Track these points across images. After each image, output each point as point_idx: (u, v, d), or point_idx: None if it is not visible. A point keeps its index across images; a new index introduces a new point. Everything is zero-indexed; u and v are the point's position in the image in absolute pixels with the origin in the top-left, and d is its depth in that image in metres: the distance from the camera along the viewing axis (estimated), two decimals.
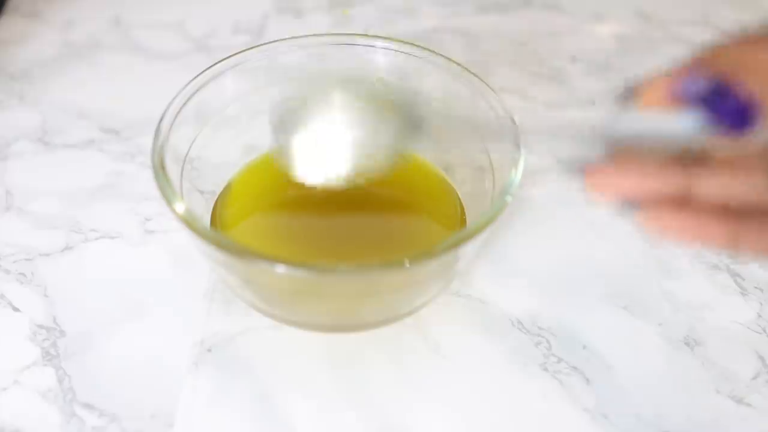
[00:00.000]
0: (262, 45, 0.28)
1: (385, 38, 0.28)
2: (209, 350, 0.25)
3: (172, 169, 0.24)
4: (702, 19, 0.42)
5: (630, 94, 0.18)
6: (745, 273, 0.28)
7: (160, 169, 0.23)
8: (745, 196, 0.17)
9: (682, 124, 0.17)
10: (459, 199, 0.28)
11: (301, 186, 0.29)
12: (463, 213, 0.28)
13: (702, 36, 0.41)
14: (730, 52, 0.17)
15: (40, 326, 0.26)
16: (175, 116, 0.25)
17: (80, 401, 0.24)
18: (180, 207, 0.22)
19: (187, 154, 0.26)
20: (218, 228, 0.27)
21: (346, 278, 0.21)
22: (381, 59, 0.29)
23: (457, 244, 0.21)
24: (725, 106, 0.16)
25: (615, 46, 0.40)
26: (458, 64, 0.27)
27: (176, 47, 0.39)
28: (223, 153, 0.29)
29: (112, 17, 0.41)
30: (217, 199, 0.28)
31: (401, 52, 0.28)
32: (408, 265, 0.21)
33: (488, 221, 0.22)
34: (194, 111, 0.26)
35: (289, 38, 0.28)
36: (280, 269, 0.20)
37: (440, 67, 0.27)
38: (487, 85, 0.26)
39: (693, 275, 0.28)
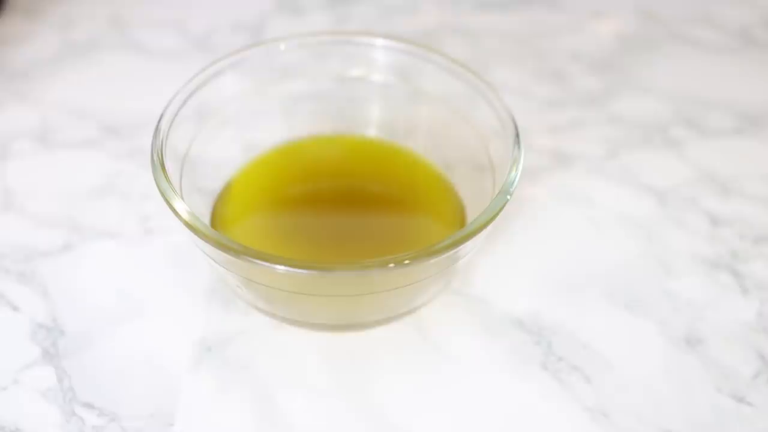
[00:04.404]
0: (261, 43, 0.28)
1: (385, 36, 0.28)
2: (209, 350, 0.25)
3: (172, 168, 0.24)
4: (703, 18, 0.42)
5: None
6: (746, 272, 0.28)
7: (159, 168, 0.23)
8: None
9: None
10: (459, 198, 0.28)
11: (301, 185, 0.29)
12: (463, 212, 0.28)
13: (703, 35, 0.41)
14: None
15: (40, 325, 0.26)
16: (175, 115, 0.25)
17: (80, 400, 0.24)
18: (180, 206, 0.22)
19: (186, 153, 0.26)
20: (218, 227, 0.27)
21: (346, 277, 0.21)
22: (381, 57, 0.29)
23: (456, 243, 0.21)
24: None
25: (616, 44, 0.40)
26: (458, 63, 0.27)
27: (176, 46, 0.39)
28: (223, 151, 0.29)
29: (112, 16, 0.41)
30: (217, 198, 0.28)
31: (401, 50, 0.28)
32: (408, 264, 0.21)
33: (488, 220, 0.22)
34: (194, 109, 0.26)
35: (289, 36, 0.28)
36: (280, 269, 0.20)
37: (440, 66, 0.27)
38: (487, 84, 0.26)
39: (693, 274, 0.28)
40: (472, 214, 0.27)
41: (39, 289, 0.27)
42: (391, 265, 0.21)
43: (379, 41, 0.28)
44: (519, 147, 0.24)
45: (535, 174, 0.32)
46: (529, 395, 0.24)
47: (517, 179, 0.23)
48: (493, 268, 0.28)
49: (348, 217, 0.28)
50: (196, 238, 0.22)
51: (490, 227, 0.22)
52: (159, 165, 0.23)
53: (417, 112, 0.29)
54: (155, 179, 0.23)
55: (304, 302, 0.24)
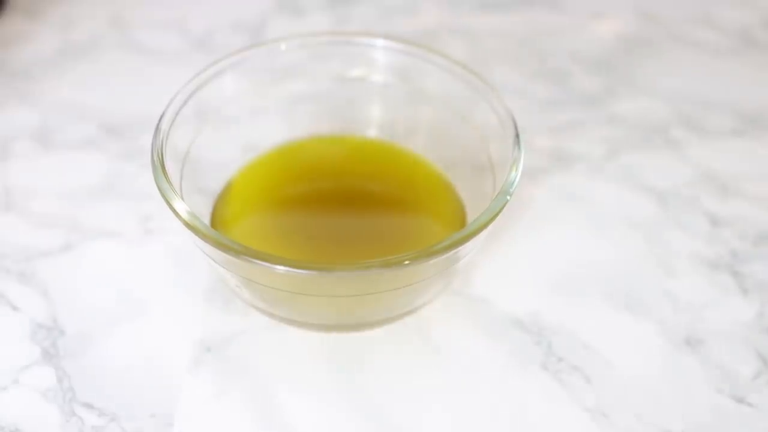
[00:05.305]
0: (262, 43, 0.28)
1: (385, 37, 0.28)
2: (209, 350, 0.25)
3: (172, 168, 0.24)
4: (703, 19, 0.42)
5: None
6: (746, 272, 0.28)
7: (159, 168, 0.23)
8: None
9: None
10: (459, 198, 0.28)
11: (301, 185, 0.29)
12: (463, 212, 0.28)
13: (703, 36, 0.41)
14: None
15: (40, 325, 0.26)
16: (175, 115, 0.25)
17: (80, 401, 0.24)
18: (180, 206, 0.22)
19: (187, 153, 0.26)
20: (218, 227, 0.27)
21: (346, 277, 0.21)
22: (381, 58, 0.29)
23: (457, 243, 0.21)
24: None
25: (616, 45, 0.40)
26: (458, 63, 0.27)
27: (176, 46, 0.39)
28: (224, 152, 0.29)
29: (112, 16, 0.41)
30: (218, 198, 0.28)
31: (401, 50, 0.28)
32: (408, 265, 0.21)
33: (488, 221, 0.22)
34: (194, 109, 0.26)
35: (289, 36, 0.28)
36: (280, 269, 0.20)
37: (440, 66, 0.27)
38: (488, 84, 0.26)
39: (693, 275, 0.28)
40: (472, 215, 0.27)
41: (39, 289, 0.27)
42: (392, 265, 0.21)
43: (380, 42, 0.28)
44: (519, 147, 0.24)
45: (535, 174, 0.32)
46: (529, 395, 0.24)
47: (517, 180, 0.23)
48: (494, 268, 0.28)
49: (348, 218, 0.28)
50: (196, 238, 0.22)
51: (490, 228, 0.22)
52: (159, 165, 0.23)
53: (417, 112, 0.29)
54: (155, 179, 0.23)
55: (304, 302, 0.24)
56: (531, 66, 0.38)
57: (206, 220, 0.27)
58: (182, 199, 0.22)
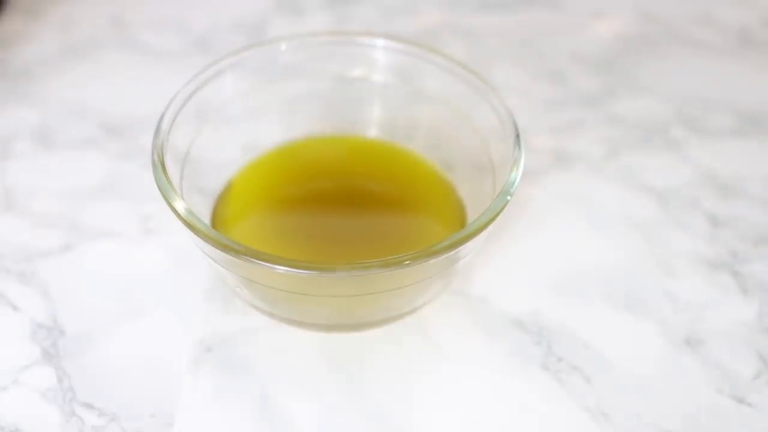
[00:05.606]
0: (261, 43, 0.28)
1: (385, 37, 0.28)
2: (209, 350, 0.25)
3: (172, 168, 0.24)
4: (703, 18, 0.42)
5: None
6: (746, 272, 0.28)
7: (160, 168, 0.23)
8: None
9: None
10: (459, 198, 0.28)
11: (301, 185, 0.29)
12: (463, 212, 0.28)
13: (703, 35, 0.41)
14: None
15: (40, 325, 0.26)
16: (176, 115, 0.25)
17: (80, 401, 0.24)
18: (180, 206, 0.22)
19: (187, 153, 0.26)
20: (219, 227, 0.27)
21: (346, 278, 0.21)
22: (381, 58, 0.29)
23: (457, 243, 0.21)
24: None
25: (616, 45, 0.40)
26: (459, 63, 0.27)
27: (176, 46, 0.39)
28: (224, 152, 0.29)
29: (112, 16, 0.41)
30: (218, 198, 0.28)
31: (401, 50, 0.28)
32: (408, 265, 0.21)
33: (488, 221, 0.22)
34: (194, 109, 0.26)
35: (289, 36, 0.28)
36: (280, 269, 0.20)
37: (441, 66, 0.27)
38: (488, 84, 0.26)
39: (693, 275, 0.28)
40: (472, 215, 0.27)
41: (39, 289, 0.27)
42: (392, 265, 0.21)
43: (380, 41, 0.28)
44: (519, 147, 0.24)
45: (535, 174, 0.32)
46: (529, 395, 0.24)
47: (517, 180, 0.23)
48: (494, 268, 0.28)
49: (348, 218, 0.28)
50: (196, 238, 0.22)
51: (490, 228, 0.22)
52: (159, 165, 0.23)
53: (417, 112, 0.29)
54: (156, 179, 0.23)
55: (304, 302, 0.24)
56: (531, 66, 0.38)
57: (206, 220, 0.27)
58: (182, 198, 0.22)
